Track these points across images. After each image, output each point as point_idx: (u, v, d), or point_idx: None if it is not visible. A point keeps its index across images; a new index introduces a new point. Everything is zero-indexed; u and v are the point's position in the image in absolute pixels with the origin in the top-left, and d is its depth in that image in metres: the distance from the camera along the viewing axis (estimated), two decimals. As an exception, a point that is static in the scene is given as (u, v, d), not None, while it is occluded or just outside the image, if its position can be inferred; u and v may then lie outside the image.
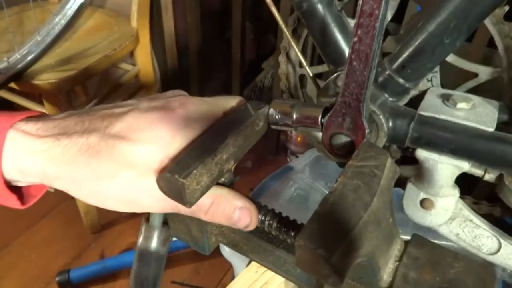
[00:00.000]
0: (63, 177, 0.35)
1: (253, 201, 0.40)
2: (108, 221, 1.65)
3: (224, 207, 0.38)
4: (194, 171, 0.34)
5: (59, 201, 1.68)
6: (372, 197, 0.31)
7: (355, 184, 0.32)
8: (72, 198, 1.50)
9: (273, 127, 0.45)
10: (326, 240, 0.28)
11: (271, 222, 0.40)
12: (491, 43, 0.72)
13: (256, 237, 0.43)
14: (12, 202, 0.39)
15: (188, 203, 0.34)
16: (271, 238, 0.43)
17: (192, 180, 0.34)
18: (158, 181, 0.35)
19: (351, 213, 0.30)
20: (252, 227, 0.39)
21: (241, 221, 0.38)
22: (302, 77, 0.98)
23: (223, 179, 0.42)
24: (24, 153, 0.35)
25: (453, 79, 0.80)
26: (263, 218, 0.40)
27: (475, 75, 0.72)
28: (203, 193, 0.36)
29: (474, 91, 0.70)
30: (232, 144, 0.38)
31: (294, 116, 0.44)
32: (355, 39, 0.42)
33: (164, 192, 0.35)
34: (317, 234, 0.28)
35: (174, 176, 0.33)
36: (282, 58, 0.95)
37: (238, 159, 0.41)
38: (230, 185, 0.42)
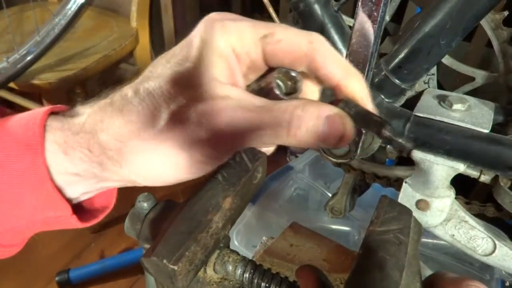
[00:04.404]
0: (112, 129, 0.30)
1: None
2: (108, 221, 1.65)
3: (309, 119, 0.28)
4: (187, 253, 0.28)
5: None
6: (401, 273, 0.27)
7: (380, 258, 0.28)
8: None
9: None
10: None
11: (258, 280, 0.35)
12: (490, 43, 0.72)
13: None
14: (65, 211, 0.34)
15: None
16: None
17: (185, 264, 0.28)
18: (142, 263, 0.30)
19: None
20: (348, 138, 0.29)
21: (333, 132, 0.28)
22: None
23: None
24: (67, 131, 0.32)
25: (450, 82, 0.80)
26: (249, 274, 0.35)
27: (472, 78, 0.72)
28: (198, 270, 0.31)
29: (471, 95, 0.70)
30: (228, 208, 0.33)
31: None
32: (353, 40, 0.42)
33: (151, 274, 0.30)
34: None
35: (162, 261, 0.28)
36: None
37: (236, 220, 0.35)
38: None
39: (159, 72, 0.30)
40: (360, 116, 0.29)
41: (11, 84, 1.25)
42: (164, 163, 0.30)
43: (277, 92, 0.30)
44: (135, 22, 1.50)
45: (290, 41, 0.30)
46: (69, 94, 1.81)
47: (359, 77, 0.32)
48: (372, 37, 0.41)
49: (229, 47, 0.30)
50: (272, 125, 0.28)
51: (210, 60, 0.29)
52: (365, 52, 0.43)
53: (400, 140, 0.28)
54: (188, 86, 0.29)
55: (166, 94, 0.29)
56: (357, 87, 0.31)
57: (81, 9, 1.24)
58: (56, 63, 1.31)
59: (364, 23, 0.42)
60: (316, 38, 0.30)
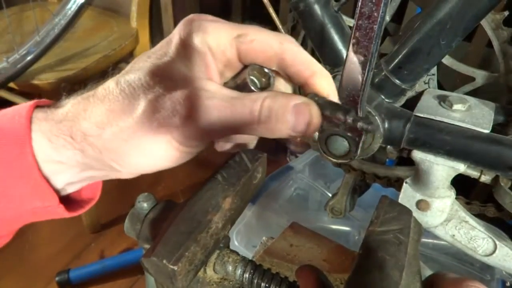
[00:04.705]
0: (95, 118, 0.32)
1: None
2: (108, 221, 1.65)
3: (277, 108, 0.29)
4: (187, 253, 0.28)
5: (59, 201, 1.69)
6: (401, 273, 0.27)
7: (380, 258, 0.28)
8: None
9: None
10: None
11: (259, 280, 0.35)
12: (491, 44, 0.72)
13: None
14: (52, 201, 0.34)
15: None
16: None
17: (185, 264, 0.29)
18: (142, 263, 0.30)
19: None
20: (315, 124, 0.31)
21: (300, 119, 0.30)
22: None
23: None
24: (51, 122, 0.33)
25: (450, 82, 0.80)
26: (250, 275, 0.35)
27: (472, 79, 0.72)
28: (198, 271, 0.31)
29: (471, 95, 0.70)
30: (228, 208, 0.33)
31: None
32: (353, 41, 0.42)
33: (151, 274, 0.30)
34: None
35: (162, 262, 0.28)
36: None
37: (235, 220, 0.36)
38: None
39: (140, 66, 0.32)
40: (327, 104, 0.31)
41: (11, 84, 1.25)
42: (141, 150, 0.31)
43: (252, 87, 0.31)
44: (135, 22, 1.50)
45: (262, 41, 0.32)
46: (69, 94, 1.81)
47: (327, 76, 0.33)
48: (372, 38, 0.41)
49: (206, 45, 0.32)
50: (243, 115, 0.30)
51: (187, 56, 0.32)
52: (365, 53, 0.43)
53: (362, 124, 0.30)
54: (165, 77, 0.31)
55: (145, 85, 0.31)
56: (324, 85, 0.33)
57: (81, 9, 1.24)
58: (56, 63, 1.31)
59: (364, 24, 0.42)
60: (287, 39, 0.33)
